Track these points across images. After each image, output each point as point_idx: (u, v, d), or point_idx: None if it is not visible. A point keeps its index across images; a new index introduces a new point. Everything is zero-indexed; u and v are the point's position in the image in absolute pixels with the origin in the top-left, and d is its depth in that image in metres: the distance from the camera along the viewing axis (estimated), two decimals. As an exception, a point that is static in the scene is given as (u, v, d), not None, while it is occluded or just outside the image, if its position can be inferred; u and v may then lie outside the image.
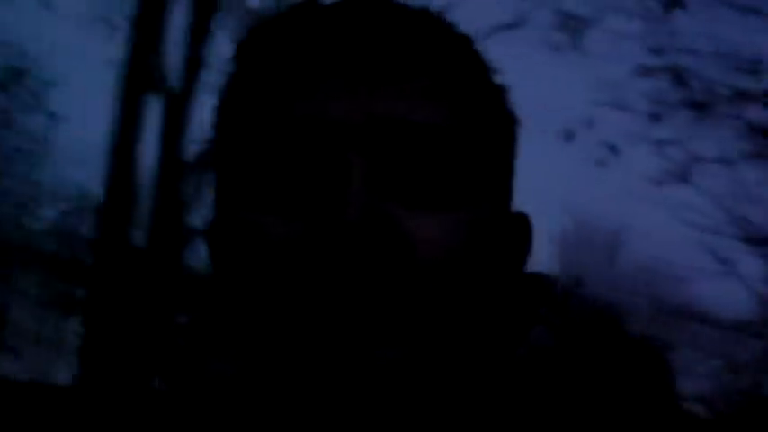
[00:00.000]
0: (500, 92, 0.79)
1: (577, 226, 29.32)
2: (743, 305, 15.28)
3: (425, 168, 0.70)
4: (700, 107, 9.95)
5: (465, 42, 0.77)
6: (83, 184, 13.33)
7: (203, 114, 9.76)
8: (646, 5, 9.48)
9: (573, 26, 9.57)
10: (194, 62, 8.40)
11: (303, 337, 0.68)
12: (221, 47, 9.01)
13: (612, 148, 10.02)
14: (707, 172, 10.99)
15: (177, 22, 8.65)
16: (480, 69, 0.78)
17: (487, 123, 0.76)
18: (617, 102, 9.78)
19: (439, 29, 0.76)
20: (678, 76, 9.82)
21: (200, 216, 10.94)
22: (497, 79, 0.79)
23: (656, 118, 9.91)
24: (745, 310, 15.02)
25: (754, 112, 10.50)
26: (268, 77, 0.73)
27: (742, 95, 10.14)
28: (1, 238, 24.86)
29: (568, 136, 9.45)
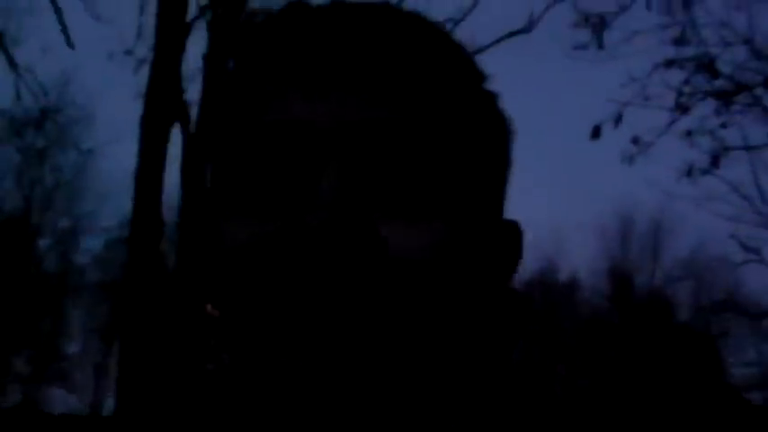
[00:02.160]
0: (491, 98, 0.76)
1: (619, 221, 29.12)
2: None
3: (406, 176, 0.67)
4: (724, 96, 9.88)
5: (455, 47, 0.74)
6: (124, 214, 13.48)
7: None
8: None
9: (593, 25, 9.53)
10: (213, 91, 8.47)
11: (271, 344, 0.65)
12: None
13: (641, 142, 9.97)
14: (733, 161, 10.93)
15: (196, 52, 8.78)
16: (471, 75, 0.75)
17: (476, 130, 0.73)
18: (643, 96, 9.73)
19: (430, 36, 0.72)
20: (701, 67, 9.76)
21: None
22: (489, 86, 0.76)
23: (682, 109, 9.85)
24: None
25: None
26: (244, 84, 0.71)
27: (764, 81, 10.07)
28: (49, 272, 25.13)
29: (597, 133, 9.40)
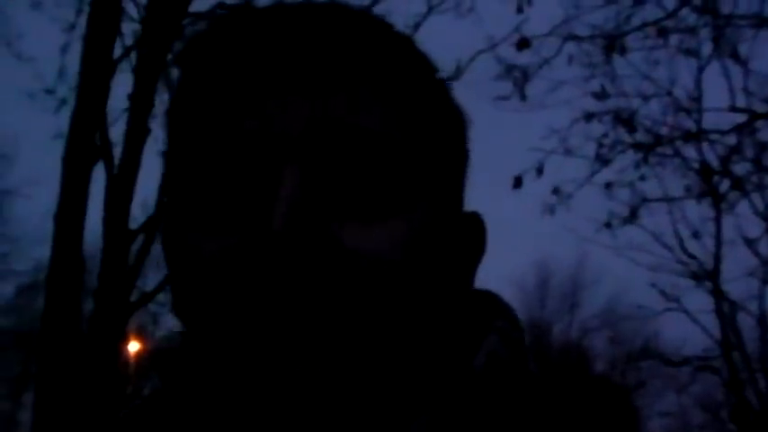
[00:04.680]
0: (445, 89, 0.75)
1: (537, 272, 29.46)
2: (694, 340, 15.47)
3: (365, 177, 0.65)
4: (644, 148, 10.07)
5: (406, 41, 0.73)
6: (40, 258, 13.20)
7: (151, 182, 9.78)
8: (586, 51, 9.63)
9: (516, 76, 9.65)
10: (138, 131, 8.41)
11: (228, 355, 0.64)
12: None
13: (561, 193, 10.10)
14: (651, 212, 11.19)
15: (122, 92, 8.70)
16: (423, 68, 0.73)
17: (434, 123, 0.72)
18: (564, 147, 9.87)
19: (379, 33, 0.71)
20: (621, 119, 9.95)
21: (153, 281, 10.91)
22: (440, 76, 0.75)
23: (602, 161, 10.00)
24: (697, 345, 15.19)
25: (695, 151, 10.70)
26: (207, 89, 0.69)
27: (683, 135, 10.32)
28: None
29: (519, 183, 9.49)
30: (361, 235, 0.65)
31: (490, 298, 0.78)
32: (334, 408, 0.64)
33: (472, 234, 0.77)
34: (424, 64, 0.74)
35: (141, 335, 19.26)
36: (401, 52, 0.72)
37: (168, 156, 0.72)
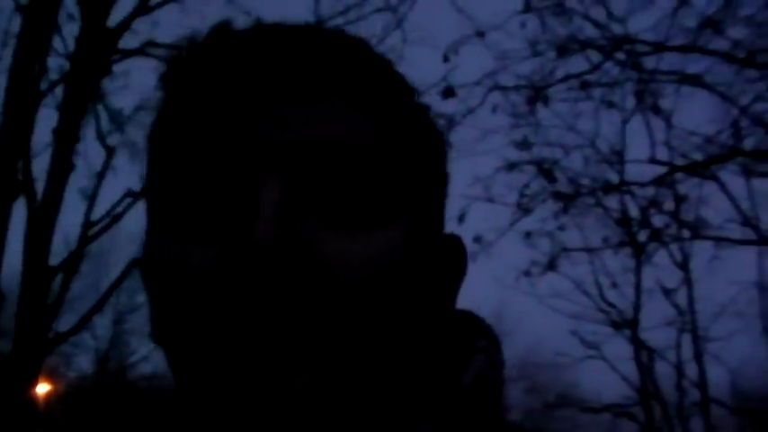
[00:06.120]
0: (424, 111, 0.76)
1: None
2: (613, 388, 15.72)
3: (346, 188, 0.66)
4: (565, 198, 10.21)
5: (385, 62, 0.75)
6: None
7: (71, 218, 9.62)
8: (510, 101, 9.77)
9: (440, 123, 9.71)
10: (62, 166, 8.30)
11: (216, 365, 0.64)
12: (89, 151, 9.01)
13: (482, 241, 10.17)
14: (572, 261, 11.36)
15: (45, 127, 8.58)
16: (403, 89, 0.75)
17: (412, 143, 0.72)
18: (486, 195, 9.96)
19: (358, 50, 0.73)
20: (543, 169, 10.08)
21: (65, 321, 10.68)
22: (420, 99, 0.77)
23: (524, 210, 10.11)
24: (615, 392, 15.42)
25: (615, 202, 10.92)
26: (188, 105, 0.70)
27: (603, 186, 10.51)
28: None
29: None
30: (344, 246, 0.65)
31: (471, 318, 0.79)
32: (316, 423, 0.63)
33: (454, 254, 0.78)
34: (403, 84, 0.75)
35: (52, 376, 18.80)
36: (382, 70, 0.73)
37: (150, 176, 0.73)
